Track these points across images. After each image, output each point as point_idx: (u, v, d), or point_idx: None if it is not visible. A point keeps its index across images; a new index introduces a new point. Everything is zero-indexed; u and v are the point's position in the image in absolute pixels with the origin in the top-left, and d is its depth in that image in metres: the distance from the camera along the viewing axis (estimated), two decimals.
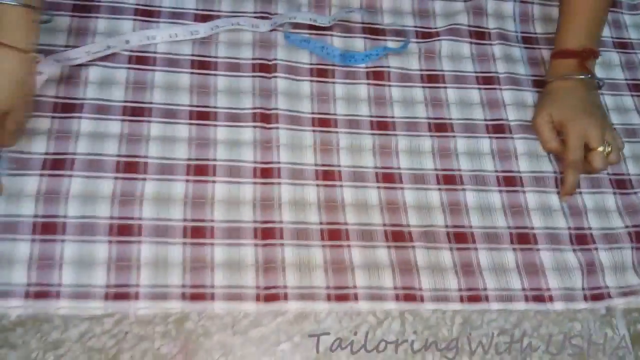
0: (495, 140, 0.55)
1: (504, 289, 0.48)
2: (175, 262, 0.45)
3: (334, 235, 0.48)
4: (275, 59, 0.55)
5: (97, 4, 0.55)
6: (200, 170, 0.49)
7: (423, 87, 0.57)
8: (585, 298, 0.49)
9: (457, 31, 0.60)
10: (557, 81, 0.56)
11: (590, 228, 0.52)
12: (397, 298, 0.46)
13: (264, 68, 0.55)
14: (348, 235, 0.48)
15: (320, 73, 0.56)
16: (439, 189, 0.52)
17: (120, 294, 0.43)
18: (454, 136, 0.54)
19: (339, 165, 0.51)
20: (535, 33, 0.63)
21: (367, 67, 0.57)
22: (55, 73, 0.50)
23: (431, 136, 0.54)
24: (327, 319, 0.45)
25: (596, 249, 0.51)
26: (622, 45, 0.64)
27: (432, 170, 0.53)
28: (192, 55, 0.54)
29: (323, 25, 0.58)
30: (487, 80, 0.58)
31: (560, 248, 0.50)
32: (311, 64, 0.56)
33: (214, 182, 0.49)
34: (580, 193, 0.54)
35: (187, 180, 0.48)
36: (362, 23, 0.60)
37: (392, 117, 0.55)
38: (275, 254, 0.46)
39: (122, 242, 0.45)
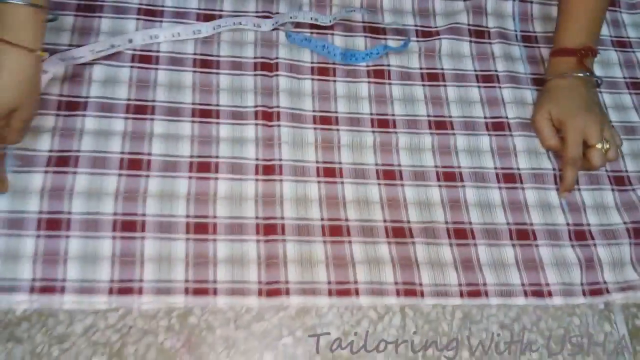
0: (494, 138, 0.55)
1: (503, 284, 0.48)
2: (179, 257, 0.45)
3: (335, 231, 0.49)
4: (277, 58, 0.56)
5: (100, 3, 0.55)
6: (203, 167, 0.49)
7: (423, 85, 0.57)
8: (584, 293, 0.49)
9: (457, 30, 0.60)
10: (556, 79, 0.56)
11: (588, 224, 0.53)
12: (397, 293, 0.47)
13: (266, 67, 0.55)
14: (349, 231, 0.49)
15: (322, 71, 0.56)
16: (439, 186, 0.52)
17: (124, 289, 0.44)
18: (453, 134, 0.55)
19: (340, 163, 0.52)
20: (535, 32, 0.63)
21: (367, 66, 0.57)
22: (59, 72, 0.51)
23: (431, 134, 0.55)
24: (328, 314, 0.46)
25: (595, 245, 0.51)
26: (621, 44, 0.64)
27: (433, 167, 0.53)
28: (195, 54, 0.55)
29: (324, 25, 0.58)
30: (487, 79, 0.59)
31: (559, 244, 0.51)
32: (312, 63, 0.57)
33: (216, 179, 0.49)
34: (579, 190, 0.54)
35: (190, 177, 0.49)
36: (363, 22, 0.60)
37: (393, 114, 0.55)
38: (277, 249, 0.47)
39: (126, 238, 0.45)
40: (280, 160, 0.51)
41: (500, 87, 0.58)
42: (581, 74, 0.55)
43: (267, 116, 0.53)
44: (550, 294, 0.49)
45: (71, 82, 0.51)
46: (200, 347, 0.43)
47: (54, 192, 0.46)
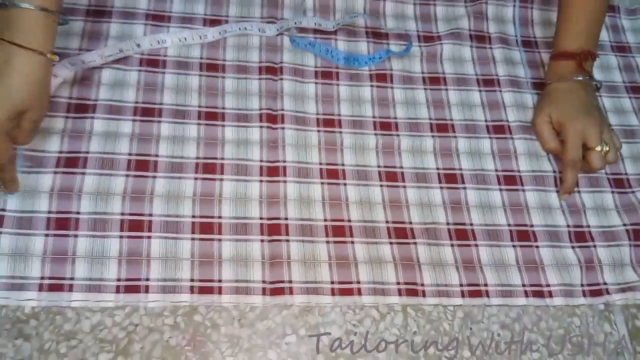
0: (495, 141, 0.56)
1: (504, 285, 0.49)
2: (185, 257, 0.46)
3: (338, 231, 0.49)
4: (282, 62, 0.57)
5: (109, 9, 0.56)
6: (208, 168, 0.50)
7: (425, 89, 0.58)
8: (584, 294, 0.50)
9: (458, 35, 0.61)
10: (556, 83, 0.57)
11: (589, 226, 0.53)
12: (399, 293, 0.47)
13: (271, 70, 0.56)
14: (352, 231, 0.49)
15: (325, 75, 0.57)
16: (441, 188, 0.53)
17: (131, 288, 0.44)
18: (455, 136, 0.56)
19: (343, 164, 0.53)
20: (535, 37, 0.64)
21: (370, 70, 0.58)
22: (69, 75, 0.52)
23: (433, 136, 0.55)
24: (331, 313, 0.46)
25: (595, 246, 0.52)
26: (621, 49, 0.65)
27: (434, 169, 0.54)
28: (201, 58, 0.56)
29: (328, 30, 0.59)
30: (488, 83, 0.60)
31: (559, 245, 0.52)
32: (316, 67, 0.58)
33: (221, 180, 0.50)
34: (579, 192, 0.55)
35: (196, 178, 0.50)
36: (366, 27, 0.61)
37: (395, 117, 0.56)
38: (281, 249, 0.48)
39: (133, 238, 0.46)
40: (285, 161, 0.52)
41: (501, 91, 0.59)
42: (581, 78, 0.56)
43: (272, 119, 0.54)
44: (550, 295, 0.49)
45: (80, 85, 0.52)
46: (205, 345, 0.44)
47: (63, 193, 0.47)
